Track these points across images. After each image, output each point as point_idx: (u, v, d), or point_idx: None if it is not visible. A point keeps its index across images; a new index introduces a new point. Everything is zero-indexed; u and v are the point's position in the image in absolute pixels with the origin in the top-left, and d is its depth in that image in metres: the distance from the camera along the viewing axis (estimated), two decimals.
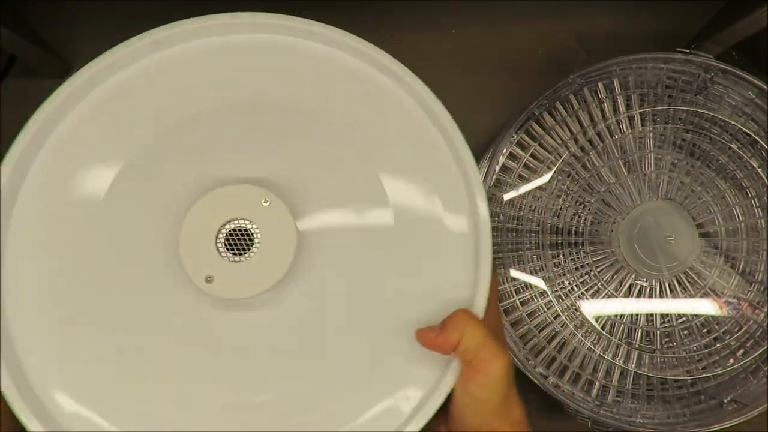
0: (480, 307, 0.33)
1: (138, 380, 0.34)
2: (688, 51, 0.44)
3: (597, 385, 0.45)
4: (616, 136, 0.46)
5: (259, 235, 0.35)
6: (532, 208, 0.46)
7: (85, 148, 0.36)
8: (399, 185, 0.36)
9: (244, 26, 0.38)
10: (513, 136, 0.46)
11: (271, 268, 0.35)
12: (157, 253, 0.35)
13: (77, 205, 0.36)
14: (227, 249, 0.35)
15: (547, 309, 0.46)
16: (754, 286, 0.46)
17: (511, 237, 0.46)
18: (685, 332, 0.46)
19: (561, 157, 0.46)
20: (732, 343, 0.45)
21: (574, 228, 0.46)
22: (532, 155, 0.46)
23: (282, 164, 0.36)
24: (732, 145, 0.46)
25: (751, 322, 0.46)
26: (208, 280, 0.34)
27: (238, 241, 0.35)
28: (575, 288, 0.46)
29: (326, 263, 0.36)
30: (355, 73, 0.39)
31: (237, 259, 0.35)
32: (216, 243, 0.35)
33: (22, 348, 0.34)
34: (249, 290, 0.35)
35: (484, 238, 0.34)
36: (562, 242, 0.46)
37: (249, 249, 0.35)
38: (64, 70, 0.53)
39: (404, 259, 0.36)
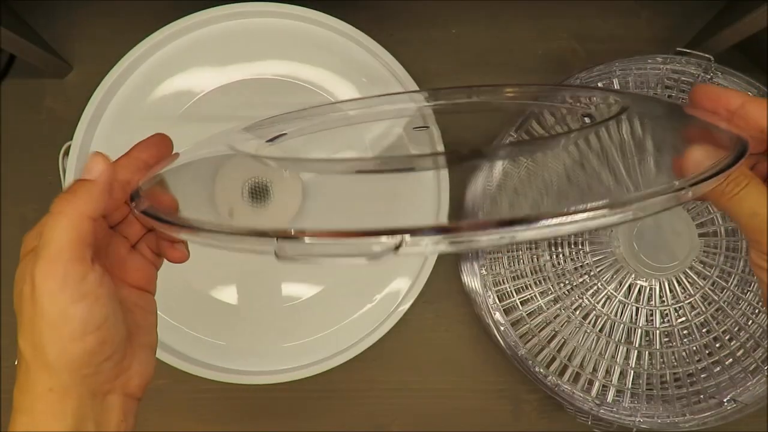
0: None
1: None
2: (688, 51, 0.44)
3: (597, 384, 0.45)
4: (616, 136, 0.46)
5: (274, 192, 0.47)
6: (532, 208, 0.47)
7: (165, 74, 0.48)
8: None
9: (266, 13, 0.48)
10: (513, 136, 0.46)
11: (278, 217, 0.46)
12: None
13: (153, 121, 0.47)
14: (250, 196, 0.47)
15: (547, 309, 0.46)
16: (753, 286, 0.46)
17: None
18: (685, 332, 0.46)
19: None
20: (731, 343, 0.45)
21: None
22: None
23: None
24: None
25: (751, 322, 0.46)
26: (230, 213, 0.46)
27: (259, 193, 0.47)
28: (575, 288, 0.46)
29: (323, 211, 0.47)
30: (352, 56, 0.48)
31: (255, 205, 0.47)
32: (242, 189, 0.47)
33: None
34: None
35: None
36: (561, 242, 0.46)
37: (265, 200, 0.47)
38: (64, 70, 0.53)
39: (381, 188, 0.46)
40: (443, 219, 0.47)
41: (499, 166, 0.45)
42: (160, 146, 0.29)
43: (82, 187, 0.25)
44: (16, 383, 0.25)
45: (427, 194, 0.48)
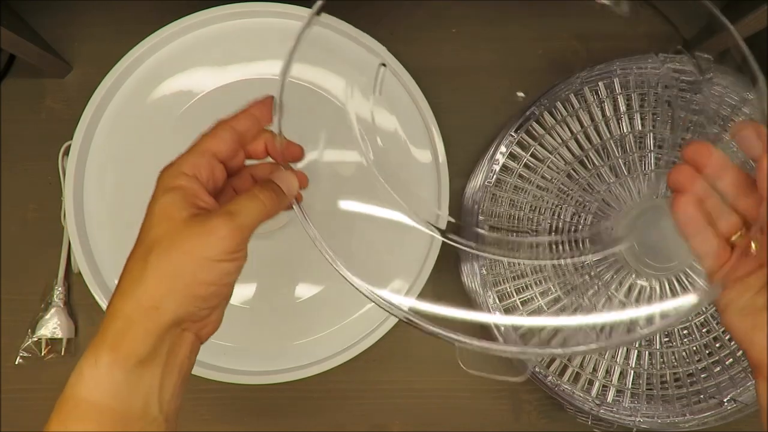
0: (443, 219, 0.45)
1: None
2: (687, 51, 0.44)
3: (597, 384, 0.45)
4: (617, 136, 0.46)
5: None
6: (533, 208, 0.46)
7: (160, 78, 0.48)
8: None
9: (266, 13, 0.48)
10: (513, 136, 0.46)
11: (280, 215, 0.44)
12: None
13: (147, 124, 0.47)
14: None
15: (547, 309, 0.46)
16: None
17: (512, 237, 0.46)
18: (685, 332, 0.46)
19: (561, 157, 0.46)
20: (731, 343, 0.45)
21: (574, 228, 0.46)
22: (532, 155, 0.46)
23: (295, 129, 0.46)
24: (732, 145, 0.46)
25: None
26: None
27: None
28: (575, 288, 0.46)
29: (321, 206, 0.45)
30: (350, 56, 0.48)
31: None
32: None
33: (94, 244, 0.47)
34: (262, 228, 0.45)
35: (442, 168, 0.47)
36: (562, 242, 0.46)
37: None
38: (64, 70, 0.53)
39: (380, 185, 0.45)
40: (444, 212, 0.47)
41: (500, 160, 0.45)
42: (270, 106, 0.34)
43: (278, 193, 0.31)
44: (119, 290, 0.28)
45: (427, 187, 0.48)
